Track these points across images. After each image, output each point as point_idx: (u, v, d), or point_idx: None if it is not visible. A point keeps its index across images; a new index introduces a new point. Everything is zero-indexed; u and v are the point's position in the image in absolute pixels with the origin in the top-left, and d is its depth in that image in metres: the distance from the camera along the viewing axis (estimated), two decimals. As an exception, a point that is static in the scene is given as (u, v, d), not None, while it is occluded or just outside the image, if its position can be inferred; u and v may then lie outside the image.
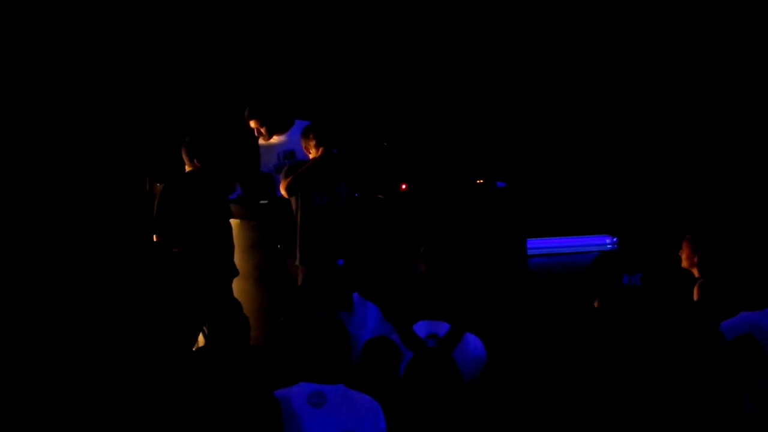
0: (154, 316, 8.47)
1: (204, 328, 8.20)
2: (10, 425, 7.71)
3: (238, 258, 9.12)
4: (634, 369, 6.39)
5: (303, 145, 8.99)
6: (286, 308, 8.58)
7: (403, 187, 9.71)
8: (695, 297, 7.08)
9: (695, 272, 7.26)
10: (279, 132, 9.50)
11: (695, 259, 7.23)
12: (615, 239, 12.25)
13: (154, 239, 8.72)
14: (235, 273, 8.71)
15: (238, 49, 11.82)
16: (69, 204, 11.14)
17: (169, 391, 6.42)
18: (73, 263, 10.63)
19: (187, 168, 8.94)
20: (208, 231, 8.78)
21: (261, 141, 9.57)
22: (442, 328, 7.02)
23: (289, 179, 8.84)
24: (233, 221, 9.19)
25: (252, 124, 9.48)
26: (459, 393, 6.63)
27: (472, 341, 7.09)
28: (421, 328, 7.02)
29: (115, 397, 7.79)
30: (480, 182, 9.93)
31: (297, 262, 8.91)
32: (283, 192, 8.89)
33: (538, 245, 12.26)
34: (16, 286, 10.10)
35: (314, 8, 11.96)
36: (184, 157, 8.89)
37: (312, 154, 8.93)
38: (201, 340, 8.22)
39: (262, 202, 9.35)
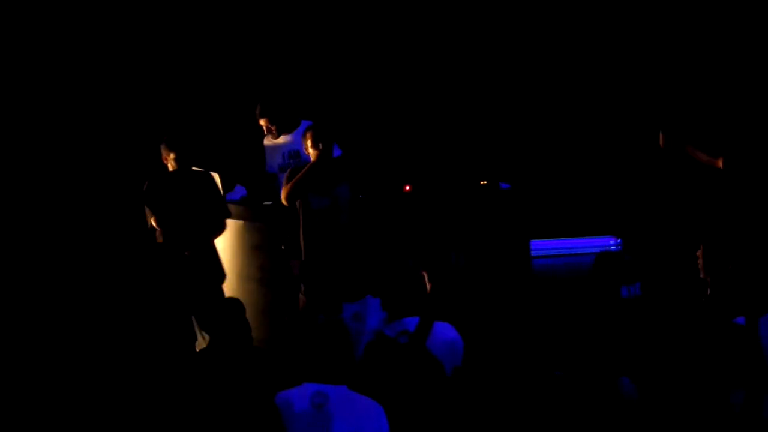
0: (155, 316, 8.49)
1: (202, 329, 8.22)
2: (11, 425, 7.74)
3: (241, 259, 9.13)
4: (636, 370, 6.41)
5: (303, 144, 8.99)
6: (289, 309, 8.61)
7: (407, 188, 9.70)
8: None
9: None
10: (286, 131, 9.52)
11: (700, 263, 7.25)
12: (619, 240, 12.25)
13: (159, 240, 8.73)
14: (223, 275, 8.74)
15: (243, 49, 11.84)
16: (67, 204, 11.15)
17: (171, 392, 6.44)
18: (72, 263, 10.65)
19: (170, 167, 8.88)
20: (197, 231, 8.77)
21: (266, 141, 9.58)
22: (412, 324, 7.04)
23: (287, 187, 8.81)
24: (237, 222, 9.21)
25: (262, 122, 9.49)
26: (445, 384, 6.64)
27: (440, 327, 7.08)
28: (389, 328, 7.06)
29: (116, 398, 7.81)
30: (484, 183, 9.93)
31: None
32: (283, 200, 8.86)
33: (541, 246, 12.28)
34: (14, 285, 10.13)
35: (317, 8, 11.98)
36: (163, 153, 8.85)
37: (310, 155, 8.92)
38: (203, 341, 8.24)
39: (266, 203, 9.36)
